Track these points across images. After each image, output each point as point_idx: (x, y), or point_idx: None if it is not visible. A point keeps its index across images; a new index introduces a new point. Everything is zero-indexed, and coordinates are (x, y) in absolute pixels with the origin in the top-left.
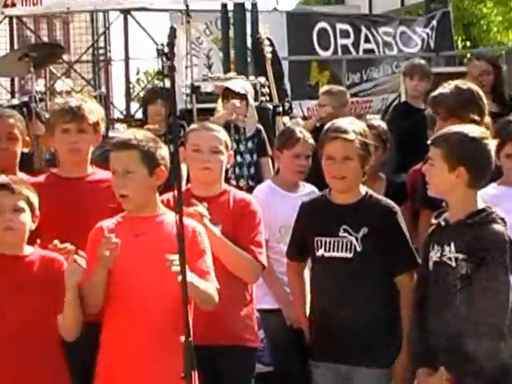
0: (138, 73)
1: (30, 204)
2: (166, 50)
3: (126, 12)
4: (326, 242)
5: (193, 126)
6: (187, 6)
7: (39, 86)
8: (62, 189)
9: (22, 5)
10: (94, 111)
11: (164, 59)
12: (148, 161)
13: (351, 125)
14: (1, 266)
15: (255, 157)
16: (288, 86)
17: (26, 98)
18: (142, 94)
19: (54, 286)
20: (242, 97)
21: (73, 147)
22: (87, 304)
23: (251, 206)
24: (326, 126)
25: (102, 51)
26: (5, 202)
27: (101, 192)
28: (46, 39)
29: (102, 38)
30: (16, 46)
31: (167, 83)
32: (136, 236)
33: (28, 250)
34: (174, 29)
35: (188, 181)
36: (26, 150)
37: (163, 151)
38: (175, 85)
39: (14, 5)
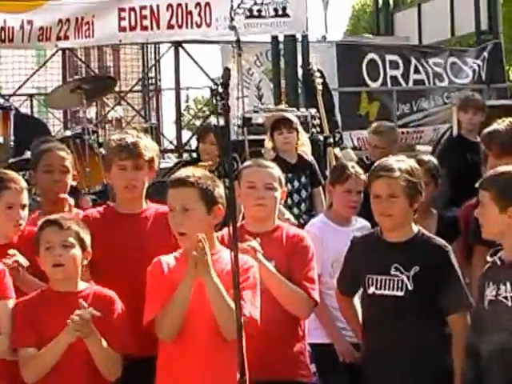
0: (187, 100)
1: (81, 240)
2: (221, 89)
3: (177, 44)
4: (377, 279)
5: (247, 162)
6: (239, 39)
7: (90, 113)
8: (118, 223)
9: (75, 37)
10: (149, 148)
11: (218, 98)
12: (206, 199)
13: (398, 163)
14: (55, 303)
15: (309, 189)
16: (338, 117)
17: (78, 130)
18: (192, 122)
19: (105, 322)
20: (293, 127)
21: (129, 184)
22: (163, 334)
23: (304, 241)
24: (374, 165)
25: (151, 81)
26: (54, 238)
27: (155, 227)
28: (95, 68)
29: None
30: (67, 75)
31: (221, 121)
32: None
33: (82, 285)
34: (228, 69)
35: (242, 217)
36: (73, 183)
37: (221, 189)
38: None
39: (66, 37)
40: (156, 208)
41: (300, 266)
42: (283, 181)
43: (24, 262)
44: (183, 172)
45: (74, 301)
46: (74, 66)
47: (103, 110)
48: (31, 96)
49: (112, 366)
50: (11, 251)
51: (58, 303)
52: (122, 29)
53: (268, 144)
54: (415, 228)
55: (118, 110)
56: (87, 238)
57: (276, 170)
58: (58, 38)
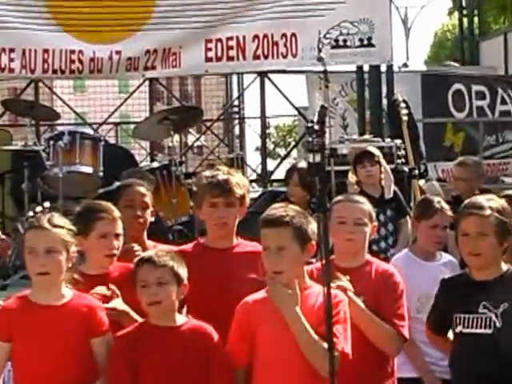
0: (268, 127)
1: (176, 274)
2: (316, 127)
3: (262, 74)
4: (465, 318)
5: (338, 197)
6: (326, 70)
7: (173, 140)
8: (208, 259)
9: (162, 67)
10: (240, 184)
11: (314, 136)
12: (301, 237)
13: (489, 201)
14: (154, 337)
15: (395, 222)
16: (423, 148)
17: (165, 161)
18: (275, 151)
19: (204, 355)
20: (375, 160)
21: (220, 221)
22: None
23: (394, 277)
24: (464, 203)
25: (235, 109)
26: (149, 277)
27: (245, 264)
28: (177, 95)
29: (235, 94)
30: (152, 104)
31: (317, 158)
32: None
33: (180, 319)
34: (324, 107)
35: (331, 252)
36: (152, 219)
37: (314, 226)
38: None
39: (153, 67)
40: (245, 245)
41: (389, 303)
42: (373, 216)
43: (120, 305)
44: (276, 211)
45: (171, 336)
46: (157, 94)
47: (185, 138)
48: (117, 125)
49: None
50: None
51: (155, 338)
52: (208, 59)
53: (351, 178)
54: (504, 266)
55: (200, 137)
56: (183, 272)
57: (367, 206)
58: (146, 68)
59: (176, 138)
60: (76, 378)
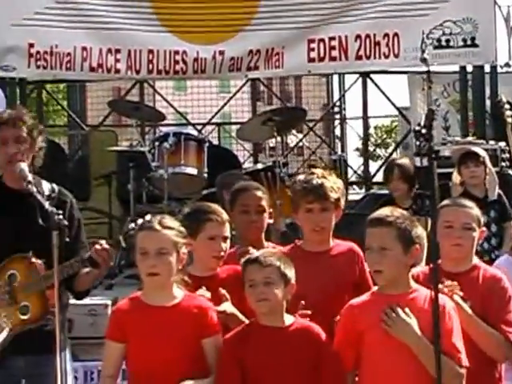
0: (368, 128)
1: (283, 275)
2: (424, 131)
3: (364, 74)
4: None
5: (445, 201)
6: (429, 71)
7: (273, 141)
8: (306, 262)
9: (265, 68)
10: (335, 188)
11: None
12: (404, 239)
13: None
14: (262, 337)
15: (499, 224)
16: None
17: (269, 163)
18: (374, 151)
19: (314, 355)
20: (480, 161)
21: (316, 226)
22: None
23: (502, 282)
24: None
25: (336, 109)
26: (256, 276)
27: (343, 266)
28: (277, 94)
29: (335, 94)
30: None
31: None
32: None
33: (288, 320)
34: (432, 111)
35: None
36: (270, 221)
37: (419, 230)
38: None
39: (256, 68)
40: (341, 245)
41: (497, 308)
42: (482, 220)
43: (229, 307)
44: (382, 211)
45: (280, 336)
46: (257, 94)
47: (285, 138)
48: (219, 125)
49: None
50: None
51: (263, 337)
52: (311, 59)
53: (456, 178)
54: None
55: (300, 137)
56: (290, 272)
57: (475, 210)
58: (249, 69)
59: (278, 138)
60: (188, 378)
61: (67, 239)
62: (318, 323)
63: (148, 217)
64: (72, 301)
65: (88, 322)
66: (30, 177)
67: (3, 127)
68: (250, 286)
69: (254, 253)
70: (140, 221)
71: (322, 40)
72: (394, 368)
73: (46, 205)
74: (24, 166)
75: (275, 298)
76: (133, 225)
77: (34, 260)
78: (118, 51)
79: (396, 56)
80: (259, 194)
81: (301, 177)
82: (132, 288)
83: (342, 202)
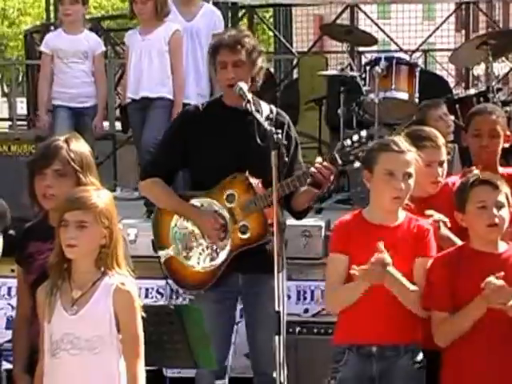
0: None
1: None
2: None
3: None
4: None
5: None
6: None
7: (476, 70)
8: None
9: None
10: None
11: None
12: None
13: None
14: (474, 261)
15: None
16: None
17: (482, 88)
18: None
19: None
20: None
21: None
22: None
23: None
24: None
25: None
26: (488, 198)
27: None
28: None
29: None
30: (471, 32)
31: None
32: None
33: (502, 247)
34: None
35: None
36: (506, 145)
37: None
38: None
39: None
40: None
41: None
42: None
43: (443, 218)
44: None
45: (492, 262)
46: (467, 18)
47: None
48: (425, 52)
49: None
50: (429, 212)
51: (475, 262)
52: None
53: None
54: None
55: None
56: None
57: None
58: None
59: (482, 66)
60: None
61: (285, 159)
62: None
63: (355, 137)
64: (287, 221)
65: (302, 243)
66: (249, 96)
67: (222, 51)
68: (480, 208)
69: (478, 173)
70: (355, 137)
71: None
72: None
73: (265, 124)
74: (243, 85)
75: (503, 223)
76: (349, 141)
77: (251, 180)
78: None
79: None
80: (493, 117)
81: None
82: (340, 212)
83: None
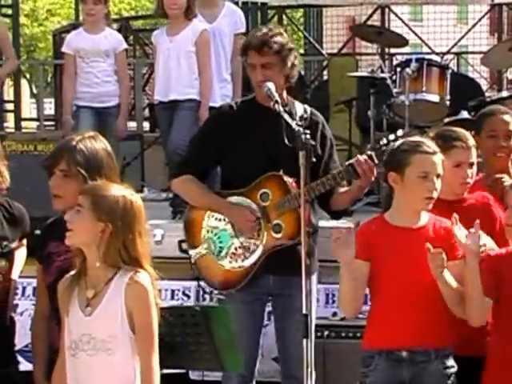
0: None
1: None
2: None
3: None
4: None
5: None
6: None
7: (510, 73)
8: None
9: None
10: None
11: None
12: None
13: None
14: None
15: None
16: None
17: None
18: None
19: None
20: None
21: None
22: None
23: None
24: None
25: None
26: None
27: None
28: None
29: None
30: (505, 36)
31: None
32: None
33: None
34: None
35: None
36: None
37: None
38: None
39: None
40: None
41: None
42: None
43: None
44: None
45: None
46: (498, 22)
47: None
48: (457, 54)
49: None
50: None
51: None
52: None
53: None
54: None
55: None
56: None
57: None
58: None
59: None
60: None
61: (313, 159)
62: None
63: (391, 136)
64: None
65: (331, 245)
66: (276, 96)
67: (250, 53)
68: None
69: (508, 181)
70: (392, 136)
71: None
72: None
73: (293, 124)
74: (271, 85)
75: None
76: (385, 140)
77: (285, 179)
78: None
79: None
80: (507, 118)
81: None
82: (371, 215)
83: None
